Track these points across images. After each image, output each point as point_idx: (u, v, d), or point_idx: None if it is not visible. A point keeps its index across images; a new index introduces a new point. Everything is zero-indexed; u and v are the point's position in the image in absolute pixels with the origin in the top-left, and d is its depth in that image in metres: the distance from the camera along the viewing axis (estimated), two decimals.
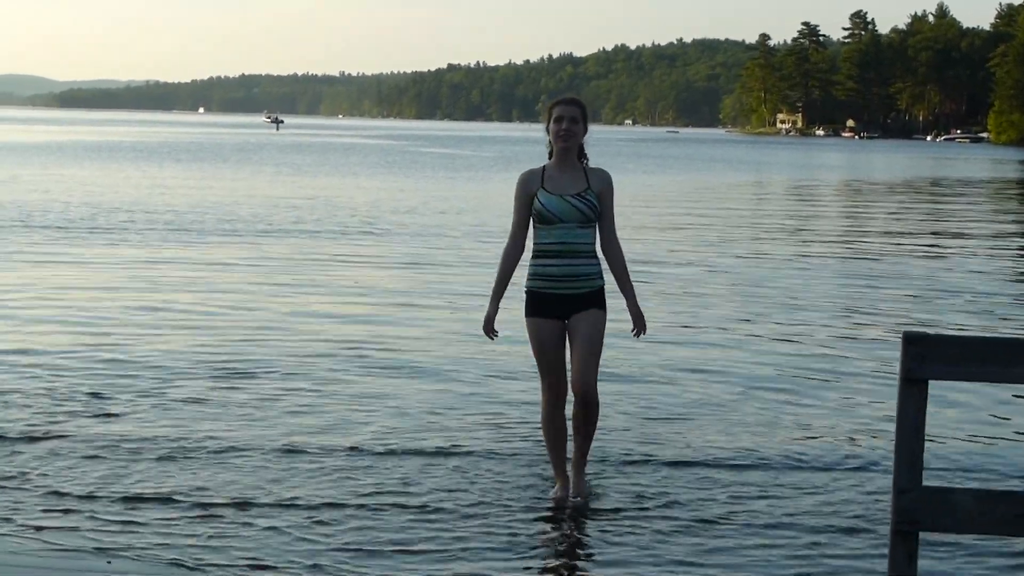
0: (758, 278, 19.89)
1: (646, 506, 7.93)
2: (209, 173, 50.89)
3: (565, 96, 8.02)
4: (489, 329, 7.86)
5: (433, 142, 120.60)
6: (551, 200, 7.65)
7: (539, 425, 8.26)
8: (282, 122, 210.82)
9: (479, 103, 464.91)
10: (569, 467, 8.05)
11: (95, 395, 10.60)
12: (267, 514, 7.59)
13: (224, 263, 20.38)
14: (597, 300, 7.74)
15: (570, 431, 8.00)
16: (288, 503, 7.81)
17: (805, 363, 12.91)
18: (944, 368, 5.11)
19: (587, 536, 7.45)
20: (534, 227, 7.74)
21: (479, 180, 51.44)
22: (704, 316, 15.91)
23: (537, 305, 7.73)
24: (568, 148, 7.74)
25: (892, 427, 5.24)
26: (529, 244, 7.86)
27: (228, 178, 47.12)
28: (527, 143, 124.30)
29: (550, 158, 7.86)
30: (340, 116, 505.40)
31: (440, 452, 9.06)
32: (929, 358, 5.07)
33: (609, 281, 7.88)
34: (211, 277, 18.59)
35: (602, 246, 7.88)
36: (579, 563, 7.05)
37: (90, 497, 7.86)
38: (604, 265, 7.87)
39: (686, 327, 14.94)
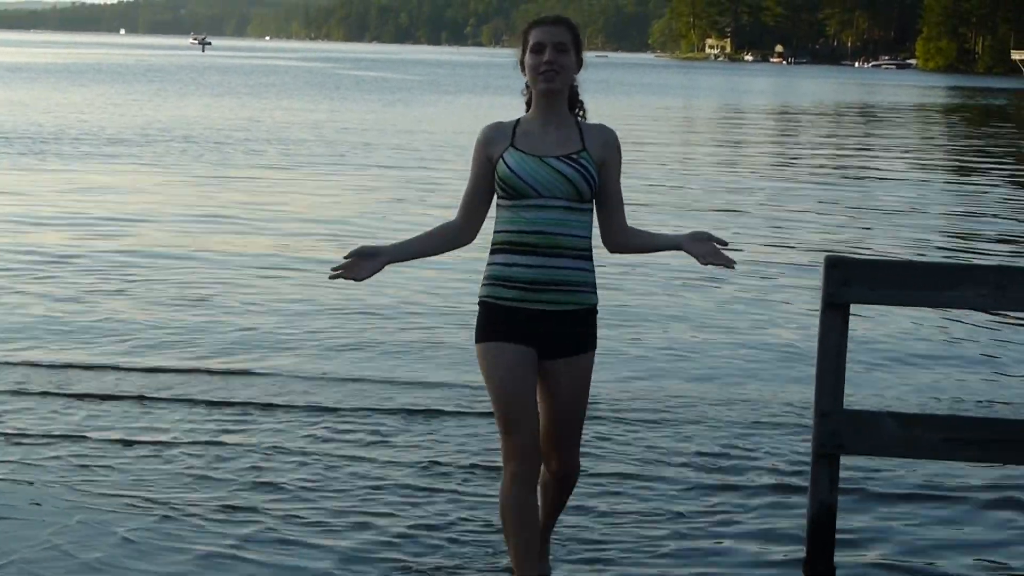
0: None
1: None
2: (141, 95, 50.22)
3: (547, 15, 5.20)
4: (355, 252, 5.05)
5: (361, 65, 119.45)
6: (524, 163, 4.94)
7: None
8: (209, 44, 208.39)
9: (408, 26, 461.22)
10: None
11: None
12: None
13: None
14: (587, 335, 5.06)
15: None
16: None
17: (726, 287, 12.92)
18: (866, 292, 5.10)
19: None
20: (498, 207, 5.05)
21: (409, 103, 51.12)
22: None
23: (496, 324, 4.99)
24: (553, 91, 5.00)
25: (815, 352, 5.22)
26: (482, 237, 5.22)
27: (156, 99, 46.49)
28: (453, 66, 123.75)
29: (528, 109, 5.14)
30: (267, 38, 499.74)
31: None
32: (851, 282, 5.06)
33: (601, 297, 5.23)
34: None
35: (608, 240, 5.20)
36: None
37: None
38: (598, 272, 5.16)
39: None
